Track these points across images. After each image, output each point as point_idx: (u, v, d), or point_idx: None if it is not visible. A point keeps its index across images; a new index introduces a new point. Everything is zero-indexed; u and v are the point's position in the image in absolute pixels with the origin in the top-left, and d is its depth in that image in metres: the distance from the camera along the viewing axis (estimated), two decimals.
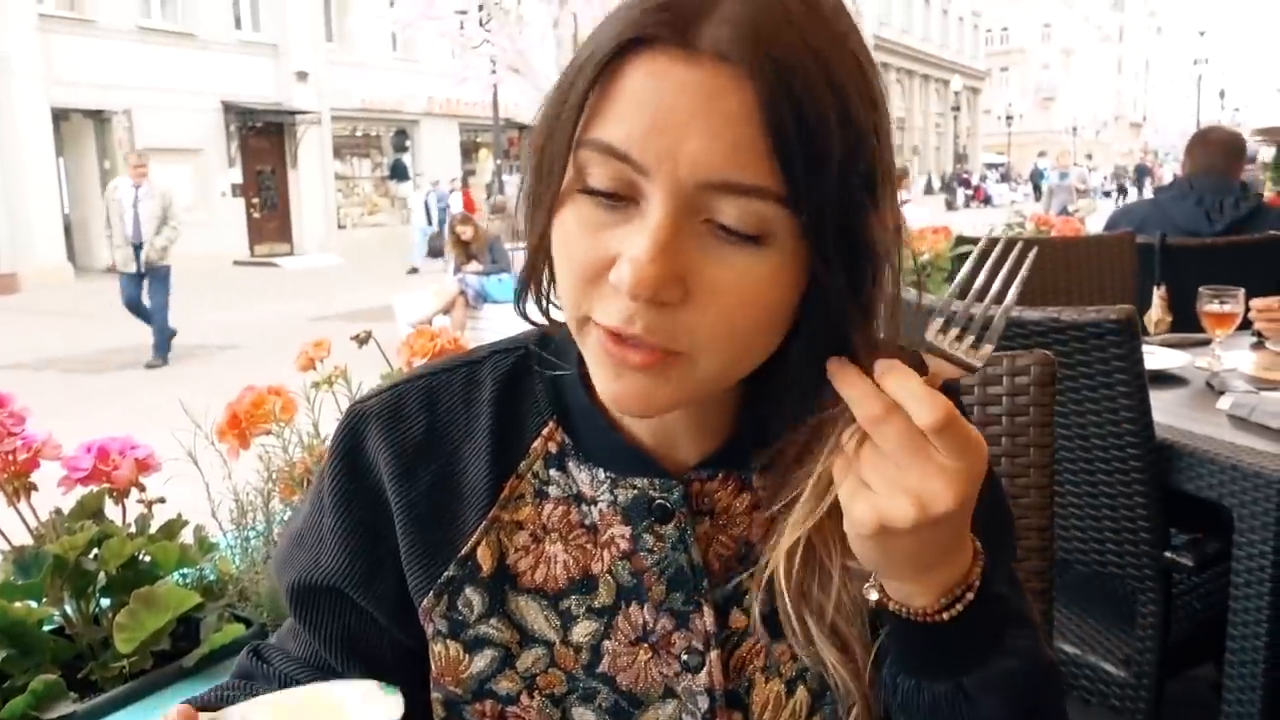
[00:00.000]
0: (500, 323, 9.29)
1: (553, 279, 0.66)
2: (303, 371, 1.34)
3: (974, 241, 3.61)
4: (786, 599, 0.67)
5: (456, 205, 19.14)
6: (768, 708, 0.72)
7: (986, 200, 39.20)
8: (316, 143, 21.90)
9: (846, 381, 0.61)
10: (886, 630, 0.68)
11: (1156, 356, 2.38)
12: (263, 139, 21.20)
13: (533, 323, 0.72)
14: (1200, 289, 2.39)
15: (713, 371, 0.61)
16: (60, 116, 17.45)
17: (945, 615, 0.63)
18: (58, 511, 1.11)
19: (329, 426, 1.34)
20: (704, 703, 0.71)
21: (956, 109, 48.33)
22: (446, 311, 9.41)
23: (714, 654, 0.71)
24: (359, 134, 24.18)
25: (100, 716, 0.97)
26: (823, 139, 0.56)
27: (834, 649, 0.68)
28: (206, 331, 11.11)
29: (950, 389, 0.61)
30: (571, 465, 0.73)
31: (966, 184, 39.34)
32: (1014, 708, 0.65)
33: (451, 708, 0.73)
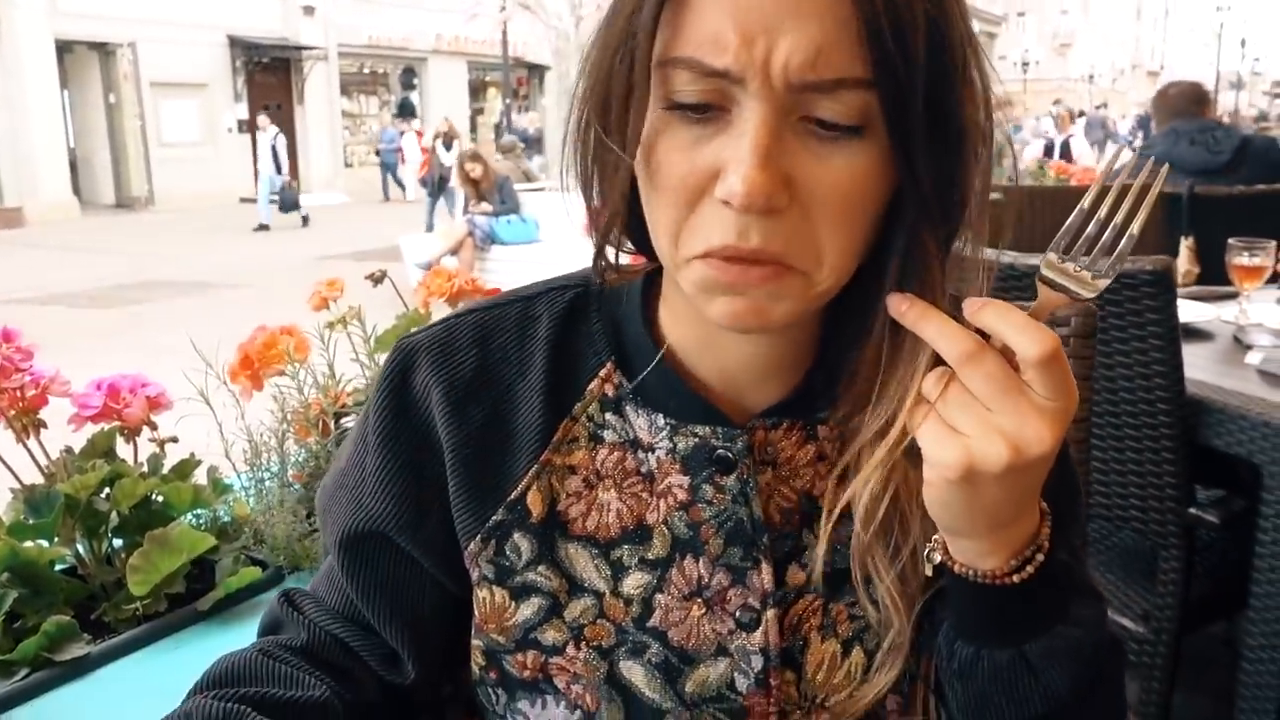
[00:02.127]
0: (509, 265, 9.22)
1: (625, 220, 0.63)
2: (316, 311, 1.30)
3: (998, 189, 3.56)
4: (861, 544, 0.65)
5: (411, 148, 18.24)
6: (822, 667, 0.69)
7: None
8: (324, 79, 21.64)
9: (924, 319, 0.58)
10: (937, 588, 0.66)
11: (1183, 309, 2.32)
12: (269, 75, 20.93)
13: (604, 278, 0.68)
14: (1230, 241, 2.33)
15: (824, 281, 0.59)
16: (64, 49, 17.23)
17: (1015, 578, 0.60)
18: (68, 450, 1.08)
19: (343, 367, 1.31)
20: (758, 662, 0.68)
21: None
22: (454, 252, 9.34)
23: (771, 613, 0.68)
24: (366, 71, 23.88)
25: (114, 659, 0.95)
26: (910, 17, 0.53)
27: (897, 593, 0.66)
28: (212, 270, 11.07)
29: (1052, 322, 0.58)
30: (629, 409, 0.69)
31: None
32: (1077, 679, 0.63)
33: (492, 657, 0.71)
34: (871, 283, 0.62)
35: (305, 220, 15.41)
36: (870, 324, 0.63)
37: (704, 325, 0.66)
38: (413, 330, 0.74)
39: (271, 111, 20.93)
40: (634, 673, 0.69)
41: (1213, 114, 4.01)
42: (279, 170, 15.52)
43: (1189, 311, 2.33)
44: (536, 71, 25.70)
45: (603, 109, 0.60)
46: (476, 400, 0.69)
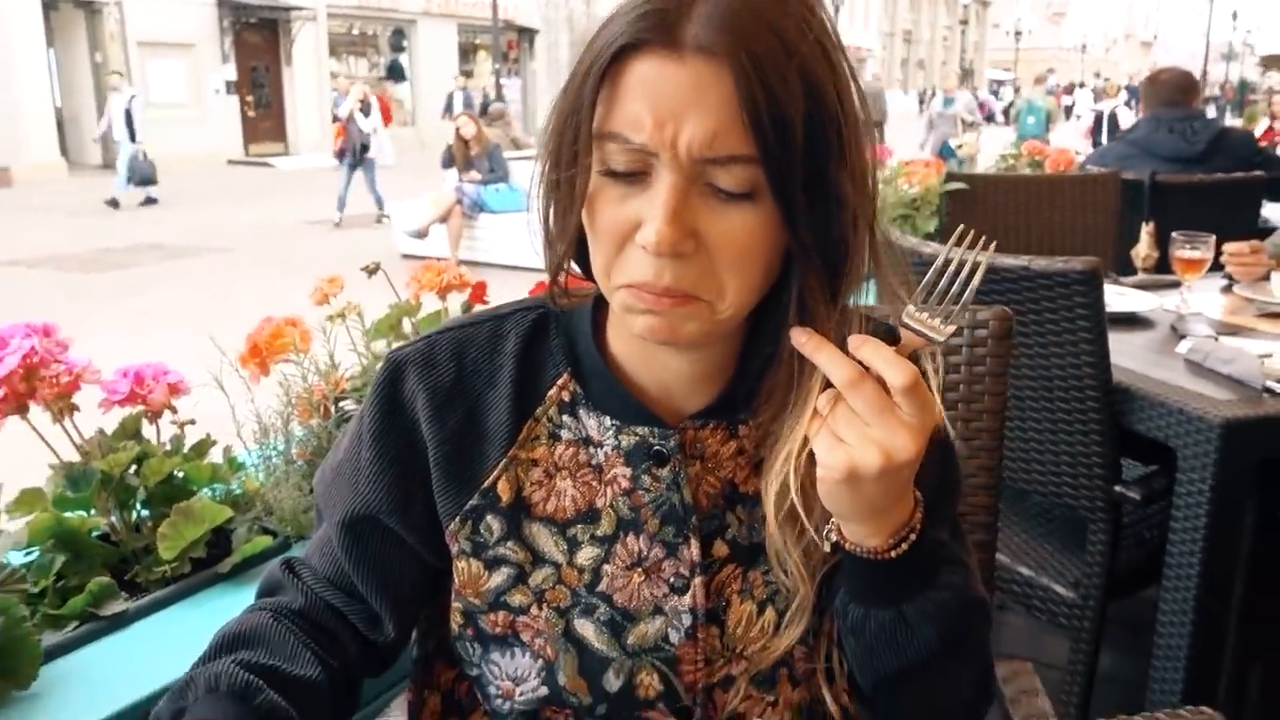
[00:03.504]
0: (497, 233, 9.30)
1: (581, 251, 0.77)
2: (317, 306, 1.44)
3: (963, 179, 3.70)
4: (774, 525, 0.79)
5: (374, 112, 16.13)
6: (741, 624, 0.84)
7: (990, 118, 38.72)
8: (312, 40, 21.52)
9: (819, 350, 0.72)
10: (835, 561, 0.81)
11: (1127, 299, 2.49)
12: (257, 35, 20.83)
13: (557, 302, 0.83)
14: (1173, 234, 2.48)
15: (725, 311, 0.73)
16: (50, 6, 17.12)
17: (893, 553, 0.75)
18: (101, 432, 1.22)
19: (342, 356, 1.45)
20: (687, 620, 0.83)
21: (965, 23, 47.35)
22: (443, 220, 9.43)
23: (698, 580, 0.83)
24: (355, 32, 23.75)
25: (148, 614, 1.10)
26: (788, 109, 0.67)
27: (803, 566, 0.80)
28: (200, 233, 11.11)
29: (913, 357, 0.72)
30: (582, 412, 0.84)
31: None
32: (944, 633, 0.78)
33: (469, 617, 0.86)
34: (779, 313, 0.76)
35: (150, 201, 13.64)
36: (779, 348, 0.77)
37: (641, 341, 0.80)
38: (401, 345, 0.88)
39: (259, 73, 20.86)
40: (586, 629, 0.83)
41: (1198, 103, 4.15)
42: (133, 138, 13.73)
43: (1132, 301, 2.49)
44: (526, 35, 25.55)
45: (556, 162, 0.75)
46: (454, 405, 0.83)
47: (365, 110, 12.30)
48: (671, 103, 0.67)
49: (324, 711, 0.82)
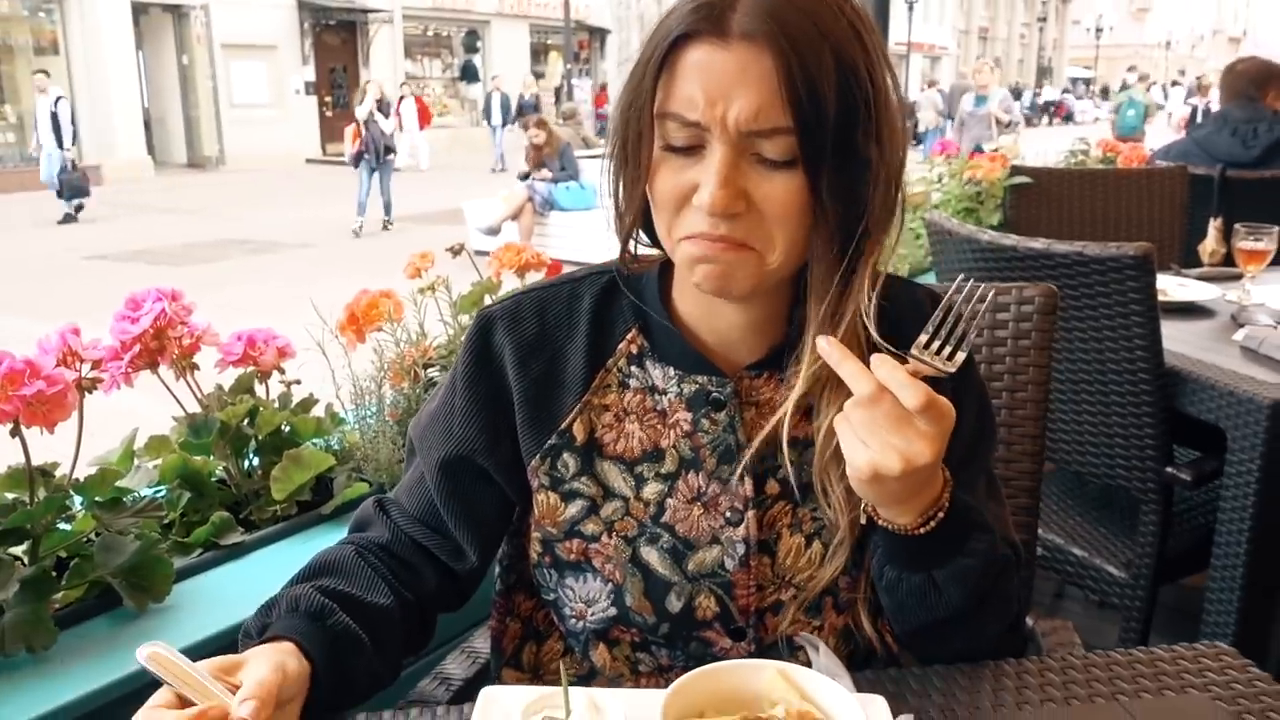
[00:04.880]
0: (568, 230, 9.46)
1: (647, 217, 0.88)
2: (410, 279, 1.57)
3: (1027, 172, 3.72)
4: (819, 466, 0.89)
5: (410, 113, 16.19)
6: (790, 554, 0.93)
7: (1068, 117, 37.97)
8: (388, 42, 22.00)
9: (842, 363, 0.80)
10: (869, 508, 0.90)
11: (1188, 289, 2.52)
12: (335, 37, 21.37)
13: (627, 267, 0.93)
14: (1236, 225, 2.50)
15: (775, 261, 0.83)
16: (140, 10, 17.79)
17: (921, 530, 0.84)
18: (219, 387, 1.37)
19: (431, 326, 1.58)
20: (741, 549, 0.92)
21: (1043, 20, 46.43)
22: (515, 217, 9.62)
23: (751, 513, 0.92)
24: (430, 34, 24.21)
25: (261, 546, 1.24)
26: (822, 85, 0.77)
27: (845, 502, 0.89)
28: (280, 230, 11.47)
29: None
30: (649, 363, 0.94)
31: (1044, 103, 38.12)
32: (969, 594, 0.87)
33: (546, 545, 0.97)
34: (817, 253, 0.85)
35: (77, 209, 12.17)
36: (819, 285, 0.86)
37: (703, 299, 0.90)
38: (491, 303, 0.99)
39: (337, 74, 21.39)
40: (651, 555, 0.94)
41: (1275, 98, 4.03)
42: (61, 144, 12.26)
43: (1194, 291, 2.51)
44: (598, 35, 25.77)
45: (624, 142, 0.86)
46: (536, 356, 0.95)
47: (384, 112, 11.76)
48: (721, 84, 0.78)
49: (394, 637, 0.92)
